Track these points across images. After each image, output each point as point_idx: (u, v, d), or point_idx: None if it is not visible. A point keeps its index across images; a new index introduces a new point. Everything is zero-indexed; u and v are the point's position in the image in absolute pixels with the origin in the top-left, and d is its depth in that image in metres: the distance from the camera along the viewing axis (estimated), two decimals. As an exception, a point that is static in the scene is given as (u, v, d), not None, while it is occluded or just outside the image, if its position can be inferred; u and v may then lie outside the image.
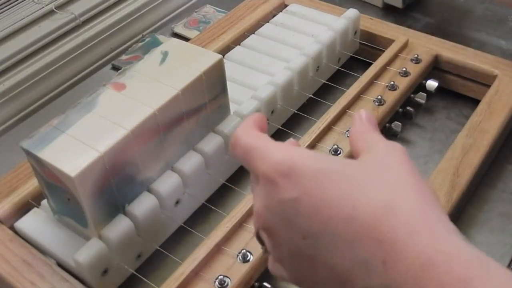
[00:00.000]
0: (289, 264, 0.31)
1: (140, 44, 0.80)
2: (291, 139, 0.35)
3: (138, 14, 0.84)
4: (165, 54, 0.52)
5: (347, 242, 0.26)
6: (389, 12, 0.80)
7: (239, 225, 0.48)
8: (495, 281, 0.23)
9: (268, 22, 0.70)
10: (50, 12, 0.78)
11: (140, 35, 0.84)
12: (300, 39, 0.65)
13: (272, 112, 0.58)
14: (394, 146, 0.30)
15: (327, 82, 0.66)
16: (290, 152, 0.30)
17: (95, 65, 0.80)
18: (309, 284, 0.30)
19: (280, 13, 0.71)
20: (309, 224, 0.28)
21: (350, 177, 0.28)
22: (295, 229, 0.29)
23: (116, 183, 0.45)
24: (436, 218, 0.26)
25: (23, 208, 0.50)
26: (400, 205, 0.26)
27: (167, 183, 0.49)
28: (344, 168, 0.29)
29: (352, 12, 0.67)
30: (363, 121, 0.33)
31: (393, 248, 0.25)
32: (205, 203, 0.53)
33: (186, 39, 0.77)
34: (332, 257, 0.27)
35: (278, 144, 0.31)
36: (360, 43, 0.70)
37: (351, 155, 0.33)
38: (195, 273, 0.45)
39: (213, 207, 0.52)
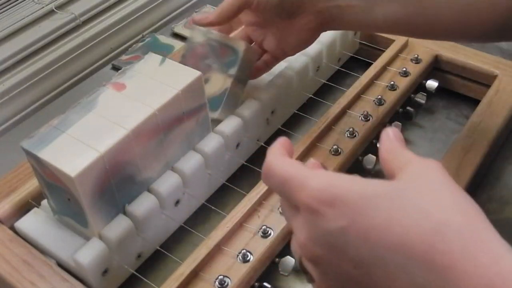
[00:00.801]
0: None
1: (140, 44, 0.80)
2: (311, 160, 0.34)
3: (138, 14, 0.84)
4: (164, 55, 0.52)
5: (401, 267, 0.26)
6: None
7: (239, 225, 0.48)
8: None
9: (268, 22, 0.70)
10: (50, 12, 0.78)
11: (140, 35, 0.84)
12: (300, 39, 0.65)
13: (272, 112, 0.58)
14: (430, 163, 0.29)
15: (327, 82, 0.66)
16: (330, 180, 0.29)
17: (95, 65, 0.80)
18: None
19: (280, 13, 0.71)
20: (360, 252, 0.27)
21: (394, 201, 0.27)
22: (345, 258, 0.28)
23: (116, 183, 0.45)
24: (487, 236, 0.26)
25: (23, 208, 0.50)
26: (450, 225, 0.26)
27: (167, 183, 0.49)
28: (386, 191, 0.28)
29: (352, 12, 0.67)
30: (391, 138, 0.32)
31: (451, 274, 0.25)
32: (205, 203, 0.53)
33: (186, 39, 0.77)
34: (387, 284, 0.27)
35: (315, 172, 0.30)
36: (360, 43, 0.70)
37: (383, 175, 0.32)
38: (195, 273, 0.45)
39: (213, 207, 0.52)
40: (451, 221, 0.26)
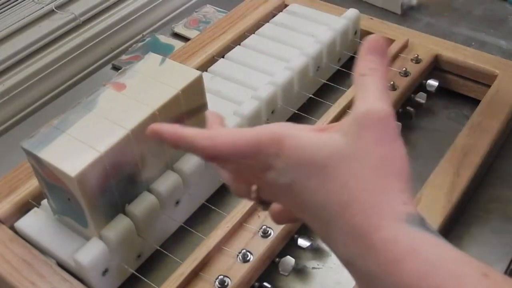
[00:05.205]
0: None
1: (140, 44, 0.80)
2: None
3: (138, 14, 0.84)
4: (164, 55, 0.52)
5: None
6: (389, 12, 0.80)
7: (239, 225, 0.48)
8: (423, 257, 0.25)
9: (268, 22, 0.70)
10: (50, 12, 0.78)
11: (140, 35, 0.84)
12: (300, 39, 0.65)
13: (272, 112, 0.58)
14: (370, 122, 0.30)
15: (327, 82, 0.66)
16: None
17: (95, 65, 0.80)
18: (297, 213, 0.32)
19: (280, 13, 0.71)
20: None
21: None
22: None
23: (116, 183, 0.45)
24: (387, 204, 0.27)
25: (23, 208, 0.50)
26: (357, 195, 0.28)
27: (167, 183, 0.49)
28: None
29: (352, 12, 0.67)
30: (366, 54, 0.32)
31: (354, 228, 0.27)
32: (205, 203, 0.53)
33: (186, 39, 0.77)
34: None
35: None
36: (360, 43, 0.70)
37: None
38: (195, 273, 0.45)
39: (213, 207, 0.52)
40: (358, 193, 0.28)
